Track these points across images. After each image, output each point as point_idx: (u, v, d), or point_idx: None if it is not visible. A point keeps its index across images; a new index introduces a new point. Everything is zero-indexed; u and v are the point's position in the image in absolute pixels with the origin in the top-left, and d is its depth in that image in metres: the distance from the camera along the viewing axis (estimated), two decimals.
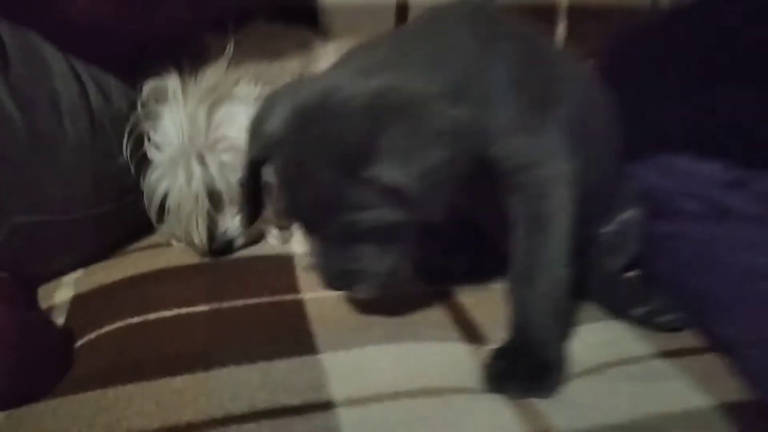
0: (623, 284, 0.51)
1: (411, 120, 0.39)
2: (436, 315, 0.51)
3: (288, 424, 0.39)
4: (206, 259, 0.60)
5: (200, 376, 0.43)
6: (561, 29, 0.88)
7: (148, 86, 0.62)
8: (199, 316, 0.50)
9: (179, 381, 0.43)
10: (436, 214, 0.41)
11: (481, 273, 0.55)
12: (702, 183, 0.53)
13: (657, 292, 0.49)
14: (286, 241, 0.63)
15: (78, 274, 0.59)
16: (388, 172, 0.39)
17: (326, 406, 0.41)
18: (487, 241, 0.53)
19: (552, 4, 0.88)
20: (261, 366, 0.44)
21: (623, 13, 0.87)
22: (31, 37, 0.56)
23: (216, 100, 0.61)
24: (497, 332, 0.47)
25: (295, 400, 0.41)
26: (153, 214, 0.61)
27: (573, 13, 0.88)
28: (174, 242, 0.62)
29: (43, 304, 0.56)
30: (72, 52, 0.59)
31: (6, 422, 0.42)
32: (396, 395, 0.42)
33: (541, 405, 0.41)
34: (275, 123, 0.43)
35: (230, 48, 0.63)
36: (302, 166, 0.42)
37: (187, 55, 0.63)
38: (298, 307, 0.52)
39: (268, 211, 0.62)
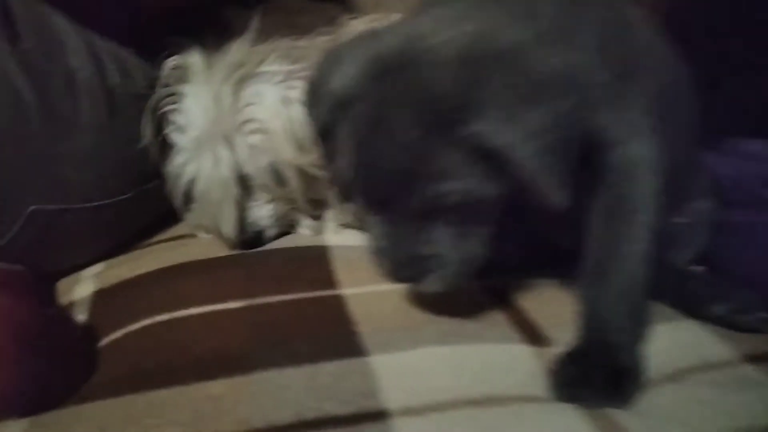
0: (696, 280, 0.47)
1: (514, 68, 0.34)
2: (491, 313, 0.46)
3: None
4: (235, 252, 0.56)
5: (239, 381, 0.40)
6: None
7: (169, 64, 0.57)
8: (232, 314, 0.47)
9: (217, 386, 0.39)
10: (537, 189, 0.35)
11: (533, 269, 0.50)
12: None
13: (736, 289, 0.45)
14: (318, 231, 0.59)
15: (98, 267, 0.55)
16: (489, 130, 0.33)
17: (380, 415, 0.37)
18: (538, 234, 0.49)
19: None
20: (305, 369, 0.40)
21: None
22: (42, 8, 0.52)
23: (242, 78, 0.56)
24: (560, 333, 0.43)
25: (344, 409, 0.37)
26: (178, 202, 0.57)
27: None
28: (200, 233, 0.58)
29: (62, 300, 0.52)
30: (86, 25, 0.54)
31: (29, 429, 0.38)
32: (457, 404, 0.38)
33: (620, 416, 0.37)
34: (345, 78, 0.37)
35: (255, 23, 0.59)
36: (381, 125, 0.36)
37: (209, 30, 0.59)
38: (339, 303, 0.48)
39: (300, 200, 0.58)
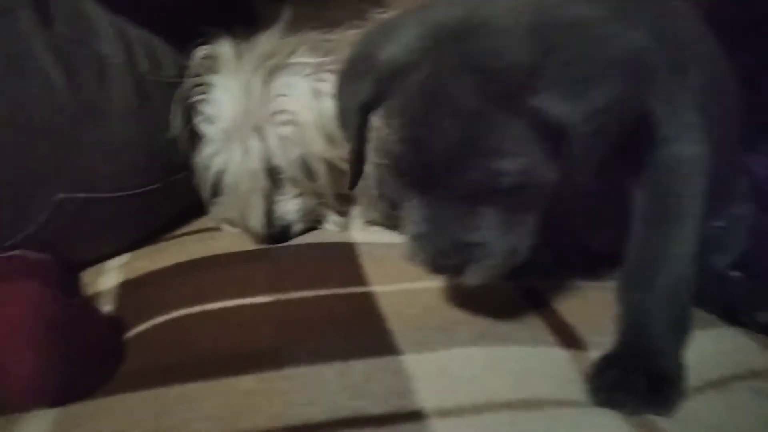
0: (737, 286, 0.46)
1: (586, 41, 0.32)
2: (526, 315, 0.45)
3: None
4: (261, 246, 0.55)
5: (270, 376, 0.39)
6: None
7: (199, 53, 0.57)
8: (262, 308, 0.46)
9: (248, 381, 0.39)
10: (586, 173, 0.34)
11: (565, 270, 0.49)
12: None
13: None
14: (345, 227, 0.58)
15: (124, 258, 0.55)
16: (554, 103, 0.31)
17: (415, 416, 0.36)
18: (573, 236, 0.48)
19: None
20: (337, 366, 0.39)
21: None
22: None
23: (272, 69, 0.56)
24: (597, 337, 0.42)
25: (379, 408, 0.36)
26: (206, 194, 0.56)
27: None
28: (225, 227, 0.58)
29: (87, 291, 0.51)
30: (117, 12, 0.53)
31: (60, 421, 0.37)
32: (493, 406, 0.37)
33: (663, 423, 0.36)
34: (399, 47, 0.35)
35: (285, 14, 0.58)
36: (438, 96, 0.33)
37: (239, 20, 0.58)
38: (369, 300, 0.47)
39: (328, 195, 0.57)
